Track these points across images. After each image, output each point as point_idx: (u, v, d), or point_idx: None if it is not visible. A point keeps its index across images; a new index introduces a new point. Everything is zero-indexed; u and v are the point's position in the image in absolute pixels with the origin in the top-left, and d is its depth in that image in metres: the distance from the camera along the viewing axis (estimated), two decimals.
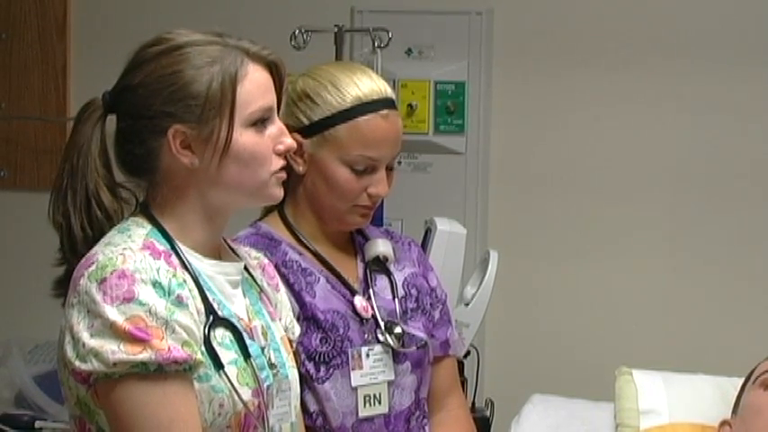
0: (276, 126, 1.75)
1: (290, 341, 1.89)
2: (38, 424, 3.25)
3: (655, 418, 2.60)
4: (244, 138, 1.70)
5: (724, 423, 2.47)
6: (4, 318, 3.69)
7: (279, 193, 1.76)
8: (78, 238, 1.72)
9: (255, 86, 1.72)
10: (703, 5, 3.37)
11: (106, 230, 1.71)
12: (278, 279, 1.95)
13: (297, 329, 1.95)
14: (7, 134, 3.78)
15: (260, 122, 1.72)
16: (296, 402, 1.83)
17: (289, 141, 1.76)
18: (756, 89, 3.34)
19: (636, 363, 2.76)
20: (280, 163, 1.75)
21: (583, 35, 3.43)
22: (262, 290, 1.87)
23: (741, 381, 2.50)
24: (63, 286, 1.71)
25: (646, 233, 3.42)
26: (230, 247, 1.85)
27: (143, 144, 1.71)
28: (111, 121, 1.75)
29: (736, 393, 2.50)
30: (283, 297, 1.94)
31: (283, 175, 1.76)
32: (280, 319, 1.88)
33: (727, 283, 3.37)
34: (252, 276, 1.86)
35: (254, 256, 1.92)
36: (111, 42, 3.59)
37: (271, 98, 1.75)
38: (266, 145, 1.73)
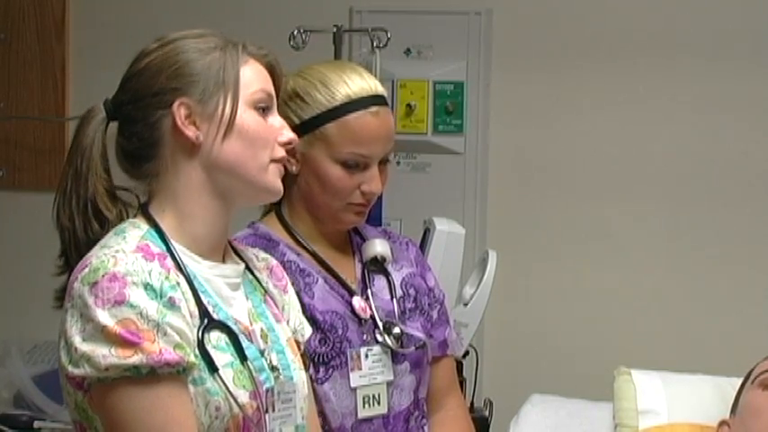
0: (278, 119, 1.77)
1: (299, 343, 1.88)
2: (36, 424, 3.25)
3: (653, 417, 2.60)
4: (247, 116, 1.72)
5: (723, 423, 2.47)
6: (3, 318, 3.69)
7: (278, 183, 1.76)
8: (82, 241, 1.71)
9: (256, 73, 1.75)
10: (703, 5, 3.37)
11: (102, 235, 1.71)
12: (287, 281, 1.94)
13: (307, 331, 1.94)
14: (6, 134, 3.78)
15: (261, 109, 1.74)
16: (303, 404, 1.82)
17: (292, 134, 1.77)
18: (756, 88, 3.34)
19: (635, 363, 2.77)
20: (281, 152, 1.76)
21: (582, 35, 3.44)
22: (267, 292, 1.86)
23: (740, 381, 2.50)
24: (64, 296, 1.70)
25: (644, 233, 3.43)
26: (235, 250, 1.85)
27: (147, 122, 1.71)
28: (112, 128, 1.75)
29: (734, 393, 2.50)
30: (292, 299, 1.93)
31: (282, 167, 1.77)
32: (287, 322, 1.88)
33: (727, 284, 3.37)
34: (257, 279, 1.85)
35: (262, 258, 1.92)
36: (110, 42, 3.60)
37: (271, 87, 1.77)
38: (269, 130, 1.74)
